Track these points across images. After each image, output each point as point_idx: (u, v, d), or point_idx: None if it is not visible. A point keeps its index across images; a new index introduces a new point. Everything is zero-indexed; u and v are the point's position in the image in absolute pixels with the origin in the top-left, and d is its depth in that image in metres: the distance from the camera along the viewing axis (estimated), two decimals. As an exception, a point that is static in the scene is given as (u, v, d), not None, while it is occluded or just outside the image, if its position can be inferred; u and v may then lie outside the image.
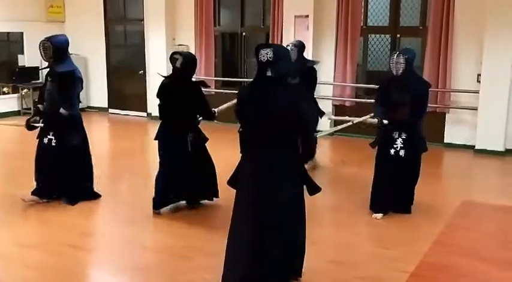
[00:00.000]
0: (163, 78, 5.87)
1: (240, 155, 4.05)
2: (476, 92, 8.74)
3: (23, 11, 11.75)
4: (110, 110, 12.58)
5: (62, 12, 12.63)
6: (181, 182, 5.71)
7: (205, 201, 5.99)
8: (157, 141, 5.78)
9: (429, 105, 9.05)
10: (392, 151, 5.64)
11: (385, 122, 5.61)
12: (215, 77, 11.33)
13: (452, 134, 9.21)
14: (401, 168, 5.66)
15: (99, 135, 11.33)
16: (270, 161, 3.83)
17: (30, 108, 11.85)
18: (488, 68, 8.55)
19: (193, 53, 11.15)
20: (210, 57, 11.27)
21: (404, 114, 5.58)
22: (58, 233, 5.32)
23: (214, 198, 5.96)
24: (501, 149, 8.63)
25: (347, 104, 10.00)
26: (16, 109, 11.98)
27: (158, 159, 5.82)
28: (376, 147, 5.88)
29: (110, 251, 5.03)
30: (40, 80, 12.22)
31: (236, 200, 4.00)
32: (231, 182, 4.12)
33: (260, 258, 3.84)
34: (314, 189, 4.10)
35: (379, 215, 5.77)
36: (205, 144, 5.89)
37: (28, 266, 4.56)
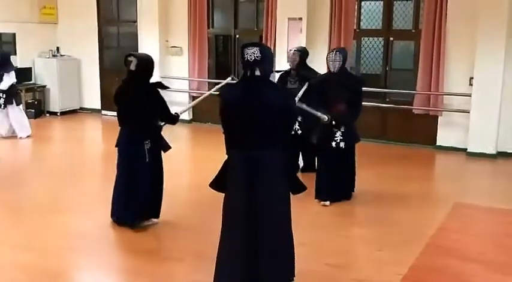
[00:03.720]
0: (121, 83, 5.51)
1: (226, 156, 3.95)
2: (469, 95, 8.79)
3: (16, 11, 11.68)
4: (103, 112, 12.54)
5: (54, 14, 12.58)
6: (137, 198, 5.32)
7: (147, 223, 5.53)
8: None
9: (422, 107, 9.23)
10: (333, 143, 6.07)
11: (328, 117, 5.97)
12: (208, 78, 11.33)
13: (444, 136, 9.25)
14: (343, 158, 6.14)
15: (92, 137, 11.32)
16: (261, 160, 3.77)
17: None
18: (481, 72, 8.60)
19: (187, 54, 11.21)
20: (204, 59, 11.27)
21: (341, 108, 6.00)
22: (51, 235, 5.30)
23: (153, 220, 5.52)
24: (493, 151, 8.68)
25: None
26: (8, 110, 11.88)
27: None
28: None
29: (100, 253, 5.00)
30: (33, 81, 12.19)
31: (228, 205, 3.91)
32: (216, 185, 4.01)
33: (257, 265, 3.79)
34: (299, 188, 4.07)
35: (328, 202, 6.14)
36: (161, 155, 5.44)
37: (20, 268, 4.54)
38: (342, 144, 6.06)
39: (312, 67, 7.43)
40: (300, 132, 6.99)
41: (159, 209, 5.50)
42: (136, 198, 5.33)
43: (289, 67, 7.34)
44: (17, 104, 9.77)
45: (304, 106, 5.98)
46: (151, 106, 5.24)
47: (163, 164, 5.46)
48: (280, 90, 4.02)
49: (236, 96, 3.84)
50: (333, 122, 6.01)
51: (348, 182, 6.35)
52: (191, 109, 10.50)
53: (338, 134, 6.06)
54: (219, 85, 6.51)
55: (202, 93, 11.15)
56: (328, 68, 6.13)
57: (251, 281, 3.82)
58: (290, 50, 7.53)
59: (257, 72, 3.76)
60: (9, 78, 9.47)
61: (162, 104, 5.32)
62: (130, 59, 5.29)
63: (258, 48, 3.76)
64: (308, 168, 7.23)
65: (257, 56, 3.73)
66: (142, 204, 5.36)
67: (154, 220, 5.51)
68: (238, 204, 3.84)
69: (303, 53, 7.29)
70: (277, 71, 7.56)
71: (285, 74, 7.33)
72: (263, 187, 3.79)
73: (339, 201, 6.23)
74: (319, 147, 6.30)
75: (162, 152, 5.45)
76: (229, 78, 7.24)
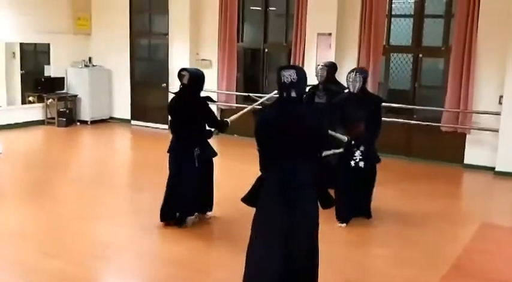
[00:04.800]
0: (173, 95, 6.02)
1: (260, 172, 4.07)
2: (498, 113, 8.72)
3: (51, 22, 11.99)
4: (133, 122, 12.75)
5: (88, 25, 12.87)
6: (185, 196, 5.79)
7: (203, 216, 6.08)
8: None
9: (450, 125, 9.17)
10: (352, 163, 6.00)
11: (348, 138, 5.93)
12: (236, 91, 11.44)
13: (472, 154, 9.17)
14: (362, 178, 6.06)
15: (121, 146, 11.52)
16: (294, 178, 3.90)
17: (54, 118, 12.09)
18: (511, 90, 8.53)
19: (216, 67, 11.35)
20: (232, 73, 11.39)
21: (361, 128, 5.99)
22: (79, 243, 5.42)
23: (208, 213, 6.10)
24: (522, 171, 8.59)
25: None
26: (41, 118, 12.18)
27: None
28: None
29: (129, 262, 5.11)
30: (65, 90, 12.47)
31: (259, 221, 4.00)
32: (248, 200, 4.14)
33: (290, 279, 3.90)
34: (330, 202, 4.19)
35: (344, 225, 6.06)
36: (213, 159, 5.99)
37: (48, 274, 4.65)
38: (361, 164, 5.99)
39: (341, 82, 7.47)
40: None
41: (211, 202, 6.05)
42: (184, 199, 5.79)
43: (317, 82, 7.42)
44: None
45: (335, 134, 5.99)
46: (201, 116, 5.74)
47: (213, 169, 6.02)
48: (314, 111, 4.16)
49: (272, 116, 3.98)
50: (352, 142, 5.94)
51: (366, 202, 6.23)
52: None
53: (357, 153, 5.99)
54: (269, 95, 7.07)
55: (230, 106, 11.34)
56: (348, 87, 6.13)
57: None
58: (318, 65, 7.61)
59: (293, 94, 3.90)
60: None
61: (211, 113, 5.88)
62: (183, 73, 5.76)
63: (294, 70, 3.91)
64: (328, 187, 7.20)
65: (293, 78, 3.87)
66: (189, 205, 5.86)
67: (209, 213, 6.09)
68: (273, 221, 3.92)
69: (330, 68, 7.36)
70: (307, 85, 7.63)
71: (313, 89, 7.42)
72: (297, 204, 3.90)
73: (359, 216, 6.19)
74: (339, 167, 6.15)
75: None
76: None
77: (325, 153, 5.83)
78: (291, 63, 10.36)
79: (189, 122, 5.71)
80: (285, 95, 3.93)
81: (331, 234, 5.67)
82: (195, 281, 4.66)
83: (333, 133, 5.99)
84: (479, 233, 6.01)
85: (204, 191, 5.94)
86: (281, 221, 3.89)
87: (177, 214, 5.88)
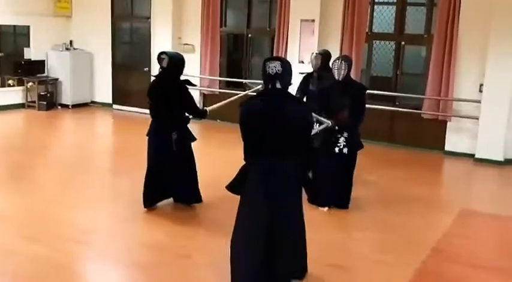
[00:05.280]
0: (153, 78, 5.97)
1: (244, 162, 4.11)
2: (478, 101, 8.82)
3: (31, 4, 11.80)
4: (114, 106, 12.65)
5: (68, 7, 12.68)
6: (163, 181, 5.81)
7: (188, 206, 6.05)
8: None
9: (431, 112, 9.26)
10: (336, 149, 6.08)
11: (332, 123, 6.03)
12: (220, 77, 11.41)
13: (452, 142, 9.28)
14: (345, 164, 6.15)
15: (102, 130, 11.44)
16: (279, 169, 3.96)
17: (34, 101, 11.94)
18: (491, 78, 8.63)
19: (199, 52, 11.29)
20: (215, 58, 11.34)
21: (345, 115, 6.03)
22: (60, 227, 5.39)
23: (194, 204, 6.03)
24: (500, 158, 8.71)
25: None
26: (21, 102, 12.03)
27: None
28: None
29: (110, 247, 5.09)
30: (45, 74, 12.31)
31: (243, 210, 4.07)
32: (233, 188, 4.19)
33: (273, 266, 3.97)
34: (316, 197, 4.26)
35: (326, 208, 6.15)
36: (192, 145, 5.97)
37: (30, 259, 4.62)
38: (345, 150, 6.05)
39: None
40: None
41: (197, 194, 6.00)
42: (164, 184, 5.82)
43: (311, 70, 7.48)
44: None
45: (319, 117, 6.05)
46: (179, 100, 5.69)
47: (193, 154, 5.96)
48: (299, 102, 4.21)
49: (257, 107, 3.99)
50: (336, 128, 6.04)
51: (345, 191, 6.26)
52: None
53: (341, 140, 6.05)
54: (255, 88, 6.96)
55: (213, 91, 11.30)
56: (332, 73, 6.16)
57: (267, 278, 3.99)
58: (312, 53, 7.66)
59: (278, 85, 3.95)
60: None
61: (190, 99, 5.79)
62: (162, 56, 5.73)
63: (279, 62, 3.96)
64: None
65: (278, 70, 3.92)
66: (170, 190, 5.90)
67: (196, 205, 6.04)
68: (257, 211, 3.98)
69: (324, 56, 7.39)
70: (301, 73, 7.73)
71: (307, 76, 7.51)
72: (281, 195, 3.97)
73: (339, 208, 6.20)
74: (322, 152, 6.16)
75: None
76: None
77: (314, 131, 5.93)
78: (275, 49, 10.37)
79: (167, 106, 5.69)
80: (270, 86, 3.97)
81: (313, 219, 5.69)
82: (176, 266, 4.66)
83: (317, 117, 6.08)
84: (459, 218, 6.10)
85: (184, 179, 5.89)
86: (264, 212, 3.95)
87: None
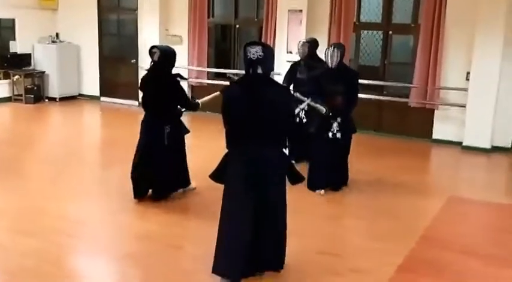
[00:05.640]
0: (145, 72, 6.04)
1: (226, 150, 4.12)
2: (465, 89, 8.88)
3: (16, -3, 11.70)
4: (102, 98, 12.59)
5: (54, 0, 12.57)
6: (152, 173, 5.80)
7: (185, 190, 6.15)
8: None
9: (419, 101, 9.31)
10: (330, 134, 6.22)
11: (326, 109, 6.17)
12: (208, 68, 11.38)
13: (440, 130, 9.35)
14: (339, 149, 6.31)
15: (90, 123, 11.38)
16: (261, 155, 3.96)
17: (21, 95, 11.85)
18: (478, 66, 8.68)
19: (187, 43, 11.25)
20: (203, 49, 11.30)
21: (339, 101, 6.17)
22: (51, 221, 5.37)
23: (190, 186, 6.15)
24: (488, 146, 8.79)
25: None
26: (7, 95, 11.93)
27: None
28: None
29: (101, 239, 5.09)
30: (32, 67, 12.21)
31: (227, 198, 4.07)
32: (216, 177, 4.20)
33: (257, 252, 4.02)
34: (298, 179, 4.29)
35: (322, 191, 6.28)
36: (184, 137, 6.01)
37: (22, 254, 4.61)
38: (338, 135, 6.22)
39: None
40: (305, 120, 7.07)
41: (187, 178, 6.06)
42: (157, 176, 5.81)
43: (299, 58, 7.50)
44: None
45: (299, 95, 6.29)
46: (171, 94, 5.72)
47: (185, 145, 6.02)
48: (281, 88, 4.19)
49: (238, 93, 3.98)
50: (330, 114, 6.15)
51: (341, 173, 6.49)
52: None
53: (335, 125, 6.21)
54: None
55: (201, 83, 11.28)
56: (319, 61, 6.27)
57: (251, 265, 4.03)
58: (300, 41, 7.67)
59: (259, 70, 3.92)
60: None
61: (182, 93, 5.84)
62: (154, 50, 5.74)
63: (260, 47, 3.92)
64: (301, 158, 7.28)
65: (259, 55, 3.89)
66: (162, 182, 5.87)
67: (191, 186, 6.15)
68: (240, 199, 3.99)
69: (312, 44, 7.41)
70: (288, 61, 7.77)
71: (294, 65, 7.54)
72: (263, 181, 3.96)
73: (335, 190, 6.38)
74: (316, 137, 6.41)
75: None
76: None
77: (297, 109, 6.01)
78: (262, 39, 10.34)
79: (160, 99, 5.72)
80: (251, 71, 3.93)
81: (303, 206, 5.75)
82: (167, 256, 4.67)
83: (312, 103, 6.17)
84: (447, 205, 6.16)
85: (178, 167, 5.95)
86: (247, 200, 3.96)
87: (150, 191, 5.90)
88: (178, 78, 5.82)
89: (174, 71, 5.86)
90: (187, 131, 6.05)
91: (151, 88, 5.77)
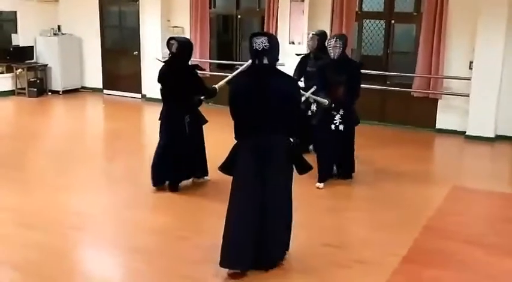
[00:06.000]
0: (163, 64, 6.13)
1: (235, 141, 4.16)
2: (468, 78, 8.85)
3: (16, -11, 11.68)
4: (105, 91, 12.58)
5: (56, -8, 12.55)
6: (176, 162, 5.92)
7: (198, 181, 6.25)
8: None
9: (422, 90, 9.30)
10: (332, 126, 6.21)
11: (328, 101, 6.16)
12: (210, 59, 11.35)
13: (443, 119, 9.33)
14: (342, 140, 6.29)
15: (94, 116, 11.39)
16: (269, 145, 4.00)
17: (24, 88, 11.86)
18: (481, 56, 8.65)
19: (188, 34, 11.22)
20: (205, 39, 11.27)
21: (341, 93, 6.19)
22: (57, 214, 5.40)
23: (205, 177, 6.27)
24: (491, 135, 8.77)
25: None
26: (10, 89, 11.94)
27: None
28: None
29: (107, 231, 5.12)
30: (34, 60, 12.21)
31: (236, 188, 4.10)
32: (225, 169, 4.24)
33: (265, 240, 4.06)
34: (306, 168, 4.31)
35: (321, 185, 6.25)
36: (202, 127, 6.13)
37: (28, 246, 4.64)
38: (341, 127, 6.22)
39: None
40: (314, 108, 7.07)
41: (204, 168, 6.21)
42: (177, 165, 5.92)
43: (308, 51, 7.50)
44: None
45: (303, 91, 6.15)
46: (190, 84, 5.84)
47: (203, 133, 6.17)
48: (286, 77, 4.21)
49: (245, 84, 4.01)
50: (333, 105, 6.15)
51: (347, 164, 6.50)
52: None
53: (337, 117, 6.21)
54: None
55: (204, 74, 11.23)
56: (328, 53, 6.25)
57: (256, 255, 4.06)
58: (309, 34, 7.65)
59: (265, 61, 3.97)
60: None
61: (201, 82, 5.94)
62: (172, 42, 5.88)
63: (266, 37, 3.96)
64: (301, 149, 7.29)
65: (265, 46, 3.92)
66: (182, 170, 6.01)
67: (206, 178, 6.27)
68: (248, 189, 4.03)
69: (321, 36, 7.39)
70: (298, 54, 7.79)
71: (305, 58, 7.54)
72: (271, 170, 4.00)
73: (342, 179, 6.44)
74: (319, 129, 6.41)
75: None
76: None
77: (305, 96, 6.00)
78: (264, 30, 10.31)
79: (178, 91, 5.84)
80: (257, 62, 3.98)
81: (306, 198, 5.76)
82: (175, 248, 4.70)
83: (314, 96, 6.18)
84: (451, 195, 6.17)
85: (197, 157, 6.09)
86: (255, 190, 4.00)
87: (167, 182, 6.00)
88: (196, 70, 5.95)
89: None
90: (206, 121, 6.17)
91: (171, 80, 5.89)
